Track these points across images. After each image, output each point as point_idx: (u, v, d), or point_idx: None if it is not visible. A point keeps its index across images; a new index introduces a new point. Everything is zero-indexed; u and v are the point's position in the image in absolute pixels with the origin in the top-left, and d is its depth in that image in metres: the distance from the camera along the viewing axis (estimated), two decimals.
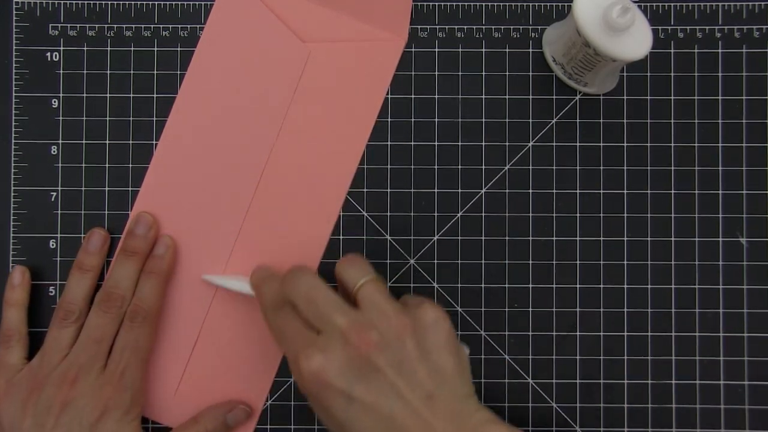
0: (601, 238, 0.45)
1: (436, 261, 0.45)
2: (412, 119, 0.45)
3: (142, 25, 0.46)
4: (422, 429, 0.35)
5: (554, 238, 0.45)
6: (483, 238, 0.45)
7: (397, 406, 0.35)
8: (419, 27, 0.46)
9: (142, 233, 0.44)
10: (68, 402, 0.40)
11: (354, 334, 0.36)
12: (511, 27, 0.46)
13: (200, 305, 0.45)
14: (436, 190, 0.45)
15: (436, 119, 0.45)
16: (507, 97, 0.45)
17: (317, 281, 0.38)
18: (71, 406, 0.40)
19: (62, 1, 0.46)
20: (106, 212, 0.45)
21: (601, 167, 0.45)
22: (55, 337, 0.42)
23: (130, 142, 0.45)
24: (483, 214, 0.45)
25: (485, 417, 0.37)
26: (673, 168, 0.45)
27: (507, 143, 0.45)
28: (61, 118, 0.45)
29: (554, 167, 0.45)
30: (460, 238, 0.45)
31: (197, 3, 0.46)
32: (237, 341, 0.45)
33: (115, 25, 0.46)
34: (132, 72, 0.45)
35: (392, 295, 0.38)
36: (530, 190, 0.45)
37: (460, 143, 0.45)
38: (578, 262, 0.45)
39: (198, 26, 0.46)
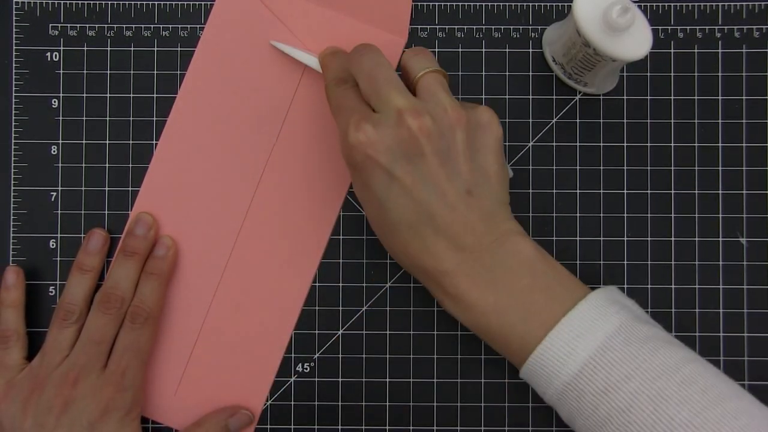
0: (601, 238, 0.45)
1: None
2: None
3: (142, 25, 0.46)
4: (453, 220, 0.36)
5: (554, 238, 0.45)
6: None
7: (435, 194, 0.36)
8: (419, 27, 0.46)
9: (142, 233, 0.44)
10: (69, 402, 0.40)
11: (408, 115, 0.36)
12: (511, 27, 0.46)
13: (200, 305, 0.45)
14: None
15: None
16: (507, 97, 0.45)
17: (382, 59, 0.38)
18: (72, 406, 0.40)
19: (62, 1, 0.46)
20: (106, 212, 0.45)
21: (601, 167, 0.45)
22: (55, 337, 0.42)
23: (130, 142, 0.45)
24: None
25: (516, 228, 0.38)
26: (673, 168, 0.45)
27: (507, 143, 0.45)
28: (61, 118, 0.45)
29: (554, 167, 0.45)
30: None
31: (197, 3, 0.46)
32: (237, 341, 0.45)
33: (115, 25, 0.46)
34: (132, 72, 0.46)
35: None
36: (530, 190, 0.45)
37: None
38: (578, 262, 0.45)
39: (198, 26, 0.46)
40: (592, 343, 0.35)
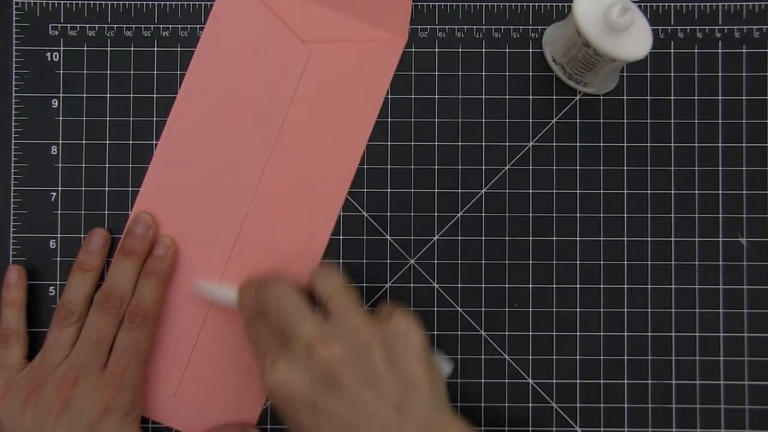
0: (601, 238, 0.45)
1: (436, 261, 0.45)
2: (412, 119, 0.45)
3: (142, 25, 0.46)
4: None
5: (554, 238, 0.45)
6: (483, 238, 0.45)
7: (364, 419, 0.35)
8: (419, 27, 0.46)
9: (141, 233, 0.44)
10: (69, 403, 0.40)
11: (318, 346, 0.36)
12: (511, 27, 0.46)
13: (200, 306, 0.45)
14: (436, 190, 0.45)
15: (436, 119, 0.45)
16: (507, 97, 0.45)
17: (287, 290, 0.38)
18: (72, 406, 0.40)
19: (62, 1, 0.46)
20: (106, 212, 0.45)
21: (601, 167, 0.45)
22: (55, 337, 0.42)
23: (130, 142, 0.45)
24: (483, 214, 0.45)
25: (459, 429, 0.36)
26: (673, 168, 0.45)
27: (507, 143, 0.45)
28: (61, 118, 0.45)
29: (554, 167, 0.45)
30: (460, 238, 0.45)
31: (197, 3, 0.46)
32: (237, 342, 0.45)
33: (115, 25, 0.46)
34: (132, 72, 0.45)
35: (364, 306, 0.38)
36: (530, 190, 0.45)
37: (460, 143, 0.45)
38: (578, 262, 0.45)
39: (198, 26, 0.46)
40: None
